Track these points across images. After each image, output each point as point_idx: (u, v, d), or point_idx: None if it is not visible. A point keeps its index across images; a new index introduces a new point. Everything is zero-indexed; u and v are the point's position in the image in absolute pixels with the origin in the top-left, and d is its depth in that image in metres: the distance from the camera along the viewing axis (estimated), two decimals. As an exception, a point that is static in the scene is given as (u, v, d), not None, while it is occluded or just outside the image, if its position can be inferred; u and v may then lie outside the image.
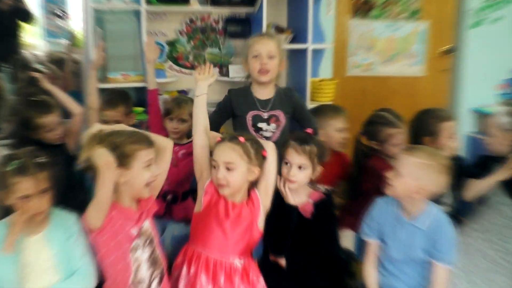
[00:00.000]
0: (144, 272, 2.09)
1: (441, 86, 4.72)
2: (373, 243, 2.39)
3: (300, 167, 2.37)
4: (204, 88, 2.44)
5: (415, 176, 2.19)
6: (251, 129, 2.75)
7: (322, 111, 3.13)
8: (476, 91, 4.61)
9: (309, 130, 2.49)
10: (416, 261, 2.30)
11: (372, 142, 2.94)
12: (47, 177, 2.07)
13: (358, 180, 2.97)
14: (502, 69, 4.73)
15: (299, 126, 2.89)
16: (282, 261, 2.36)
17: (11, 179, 2.00)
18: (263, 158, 2.25)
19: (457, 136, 2.89)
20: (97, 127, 2.06)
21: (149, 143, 2.07)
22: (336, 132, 3.03)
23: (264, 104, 2.76)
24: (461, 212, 2.79)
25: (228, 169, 2.17)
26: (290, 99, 2.82)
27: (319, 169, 2.41)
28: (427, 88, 4.68)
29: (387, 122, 2.91)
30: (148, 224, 2.14)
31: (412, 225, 2.29)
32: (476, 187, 2.62)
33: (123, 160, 1.98)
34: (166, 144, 2.24)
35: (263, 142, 2.32)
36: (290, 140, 2.39)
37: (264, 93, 2.79)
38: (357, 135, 3.07)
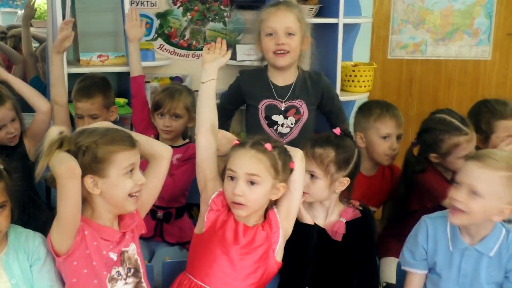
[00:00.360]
0: None
1: (512, 74, 4.77)
2: (417, 275, 2.40)
3: (312, 176, 2.41)
4: (213, 72, 2.47)
5: (499, 194, 2.16)
6: (264, 123, 2.78)
7: (366, 108, 3.11)
8: None
9: (337, 130, 2.50)
10: None
11: (431, 155, 2.90)
12: (2, 189, 2.09)
13: (406, 200, 2.98)
14: None
15: (328, 122, 2.92)
16: None
17: None
18: (290, 171, 2.27)
19: None
20: (56, 130, 2.04)
21: (130, 143, 2.08)
22: (381, 140, 2.98)
23: (282, 92, 2.81)
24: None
25: (251, 183, 2.19)
26: (317, 87, 2.86)
27: (345, 181, 2.43)
28: (493, 75, 4.71)
29: (450, 128, 2.85)
30: (133, 249, 2.17)
31: (476, 250, 2.29)
32: None
33: (96, 166, 2.00)
34: (163, 152, 2.26)
35: (291, 150, 2.31)
36: (307, 142, 2.43)
37: (283, 78, 2.83)
38: (409, 147, 3.05)
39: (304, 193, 2.36)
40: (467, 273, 2.31)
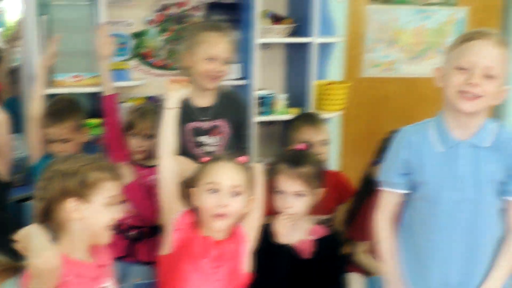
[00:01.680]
0: None
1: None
2: (394, 195, 2.35)
3: (297, 195, 2.47)
4: (178, 100, 2.53)
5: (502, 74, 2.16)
6: (193, 146, 2.85)
7: (291, 122, 3.33)
8: None
9: (302, 146, 2.59)
10: (482, 207, 2.22)
11: None
12: None
13: (358, 215, 3.08)
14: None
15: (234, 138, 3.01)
16: None
17: None
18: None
19: None
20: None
21: (118, 175, 2.10)
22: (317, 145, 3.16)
23: (204, 112, 2.87)
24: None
25: (235, 194, 2.24)
26: (235, 105, 2.97)
27: (319, 192, 2.51)
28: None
29: None
30: (111, 286, 2.17)
31: (471, 143, 2.19)
32: None
33: (82, 190, 2.00)
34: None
35: (252, 164, 2.41)
36: (280, 164, 2.49)
37: (204, 99, 2.89)
38: (370, 164, 3.12)
39: (290, 214, 2.46)
40: (464, 173, 2.20)
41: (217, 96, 2.93)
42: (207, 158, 2.35)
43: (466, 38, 2.14)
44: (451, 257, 2.26)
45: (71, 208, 2.00)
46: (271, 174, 2.53)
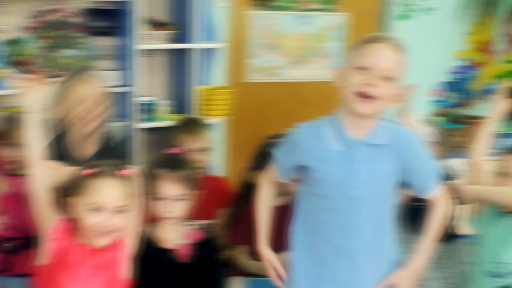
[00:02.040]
0: None
1: (364, 93, 4.97)
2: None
3: (177, 199, 2.48)
4: (36, 101, 2.37)
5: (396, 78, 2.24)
6: None
7: (174, 127, 3.35)
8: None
9: (177, 150, 2.60)
10: (379, 204, 2.26)
11: None
12: None
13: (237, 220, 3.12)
14: (437, 70, 5.11)
15: None
16: None
17: None
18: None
19: None
20: None
21: None
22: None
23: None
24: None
25: (119, 212, 2.19)
26: (114, 154, 2.92)
27: (197, 196, 2.53)
28: (346, 96, 4.91)
29: None
30: None
31: (366, 143, 2.21)
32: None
33: None
34: None
35: (128, 167, 2.37)
36: (158, 169, 2.49)
37: (85, 149, 2.89)
38: (247, 170, 3.17)
39: (172, 218, 2.47)
40: (360, 170, 2.22)
41: (98, 144, 2.90)
42: (87, 171, 2.26)
43: (367, 41, 2.18)
44: (349, 254, 2.28)
45: None
46: (149, 179, 2.52)
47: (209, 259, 2.54)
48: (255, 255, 3.01)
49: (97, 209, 2.18)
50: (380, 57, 2.12)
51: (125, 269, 2.30)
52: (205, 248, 2.53)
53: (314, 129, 2.28)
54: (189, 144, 3.15)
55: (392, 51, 2.15)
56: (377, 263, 2.31)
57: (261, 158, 3.05)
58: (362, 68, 2.12)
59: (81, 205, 2.19)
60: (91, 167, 2.26)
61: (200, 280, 2.50)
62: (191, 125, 3.27)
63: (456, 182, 2.75)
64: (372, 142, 2.21)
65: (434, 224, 2.33)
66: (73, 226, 2.26)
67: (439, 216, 2.33)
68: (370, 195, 2.22)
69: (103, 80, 3.16)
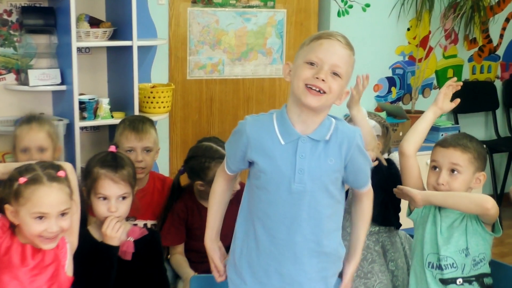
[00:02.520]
0: None
1: (306, 89, 5.01)
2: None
3: (121, 198, 2.49)
4: None
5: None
6: None
7: (118, 124, 3.25)
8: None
9: (112, 148, 2.59)
10: (321, 199, 2.25)
11: (197, 183, 3.02)
12: None
13: None
14: (377, 66, 5.18)
15: None
16: None
17: None
18: None
19: None
20: None
21: None
22: (127, 154, 3.00)
23: None
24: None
25: (62, 215, 2.19)
26: None
27: (136, 193, 2.56)
28: (288, 91, 4.85)
29: (216, 155, 2.95)
30: None
31: (311, 138, 2.21)
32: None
33: None
34: None
35: (60, 163, 2.36)
36: (99, 169, 2.49)
37: None
38: (176, 174, 3.19)
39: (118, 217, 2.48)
40: (303, 166, 2.21)
41: None
42: (24, 179, 2.20)
43: (318, 37, 2.18)
44: (292, 248, 2.27)
45: None
46: (90, 178, 2.51)
47: (151, 257, 2.55)
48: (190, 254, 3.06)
49: (42, 216, 2.17)
50: (330, 53, 2.13)
51: (67, 267, 2.29)
52: (147, 246, 2.53)
53: (260, 122, 2.27)
54: (135, 144, 3.09)
55: (342, 48, 2.16)
56: (320, 258, 2.30)
57: (189, 160, 3.09)
58: (312, 63, 2.13)
59: (24, 213, 2.17)
60: (26, 171, 2.23)
61: (143, 277, 2.50)
62: (136, 125, 3.17)
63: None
64: (318, 138, 2.21)
65: (367, 218, 2.40)
66: (12, 226, 2.24)
67: (370, 209, 2.40)
68: (312, 191, 2.23)
69: (52, 124, 3.19)
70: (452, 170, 2.59)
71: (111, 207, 2.48)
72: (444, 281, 2.56)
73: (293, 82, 2.18)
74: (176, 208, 3.11)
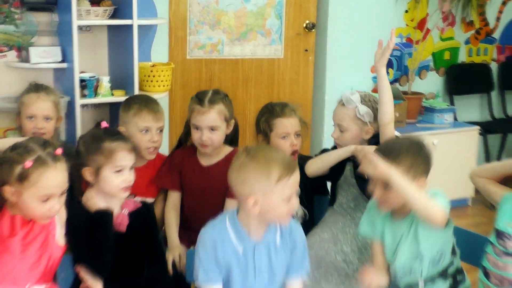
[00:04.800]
0: None
1: (303, 70, 5.02)
2: None
3: (131, 168, 2.52)
4: None
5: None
6: None
7: (127, 103, 3.14)
8: (346, 75, 4.96)
9: (104, 124, 2.58)
10: None
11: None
12: None
13: None
14: (375, 48, 5.15)
15: None
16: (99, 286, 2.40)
17: None
18: None
19: (295, 138, 3.02)
20: None
21: None
22: (141, 134, 3.00)
23: None
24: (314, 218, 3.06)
25: (64, 192, 2.20)
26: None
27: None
28: (287, 72, 4.95)
29: None
30: None
31: (264, 244, 2.34)
32: (320, 160, 2.92)
33: None
34: None
35: None
36: (111, 143, 2.48)
37: None
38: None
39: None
40: (260, 270, 2.34)
41: None
42: (29, 163, 2.16)
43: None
44: None
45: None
46: (102, 155, 2.48)
47: (146, 229, 2.55)
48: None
49: (48, 198, 2.17)
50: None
51: (58, 236, 2.29)
52: (141, 218, 2.54)
53: (220, 230, 2.34)
54: (151, 124, 3.02)
55: None
56: None
57: (183, 137, 3.11)
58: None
59: (29, 195, 2.16)
60: (27, 153, 2.19)
61: (138, 249, 2.52)
62: (153, 105, 3.11)
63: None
64: (269, 243, 2.34)
65: None
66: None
67: None
68: (269, 284, 2.37)
69: (58, 94, 3.26)
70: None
71: (128, 177, 2.48)
72: (408, 285, 2.55)
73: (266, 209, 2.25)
74: (174, 154, 3.13)
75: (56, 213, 2.23)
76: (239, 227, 2.31)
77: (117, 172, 2.46)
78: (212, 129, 2.93)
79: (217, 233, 2.33)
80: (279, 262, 2.38)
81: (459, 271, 2.51)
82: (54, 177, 2.18)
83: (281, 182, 2.21)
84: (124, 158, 2.49)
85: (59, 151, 2.22)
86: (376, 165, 2.32)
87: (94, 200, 2.48)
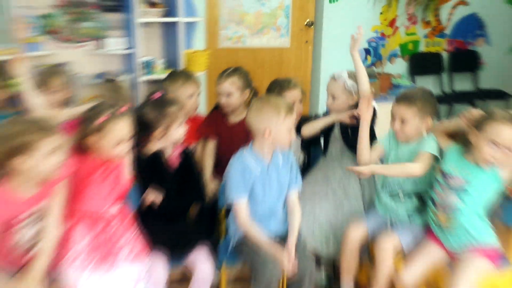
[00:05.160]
0: (28, 241, 2.09)
1: (304, 56, 4.98)
2: (244, 201, 2.46)
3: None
4: (22, 72, 2.32)
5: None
6: None
7: (172, 77, 3.07)
8: (335, 60, 4.86)
9: (158, 94, 2.51)
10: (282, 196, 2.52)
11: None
12: None
13: None
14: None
15: None
16: (158, 198, 2.41)
17: None
18: None
19: (298, 104, 2.99)
20: None
21: (51, 132, 1.97)
22: (187, 99, 2.93)
23: None
24: (311, 165, 3.06)
25: (130, 139, 2.20)
26: None
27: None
28: (291, 58, 4.92)
29: None
30: (44, 203, 2.09)
31: (273, 163, 2.46)
32: (313, 124, 2.89)
33: (23, 149, 1.90)
34: None
35: None
36: (174, 106, 2.46)
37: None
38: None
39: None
40: (271, 184, 2.46)
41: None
42: (105, 117, 2.16)
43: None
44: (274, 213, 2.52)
45: (18, 163, 1.92)
46: (169, 117, 2.42)
47: (189, 166, 2.54)
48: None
49: (120, 143, 2.18)
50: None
51: (126, 171, 2.30)
52: (186, 158, 2.53)
53: (244, 157, 2.45)
54: (194, 90, 3.00)
55: None
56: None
57: (218, 103, 3.08)
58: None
59: (105, 141, 2.16)
60: (103, 111, 2.18)
61: (186, 180, 2.51)
62: (192, 77, 3.06)
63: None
64: (276, 163, 2.47)
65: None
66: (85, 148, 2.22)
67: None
68: (279, 195, 2.51)
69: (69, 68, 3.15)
70: (402, 121, 2.51)
71: (183, 130, 2.46)
72: (391, 195, 2.60)
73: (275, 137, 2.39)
74: (212, 113, 3.10)
75: (125, 154, 2.23)
76: (255, 154, 2.45)
77: (178, 128, 2.44)
78: (228, 95, 2.96)
79: (240, 162, 2.45)
80: (283, 177, 2.49)
81: (429, 199, 2.53)
82: (122, 127, 2.17)
83: (287, 118, 2.36)
84: (181, 118, 2.46)
85: (124, 108, 2.21)
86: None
87: (155, 147, 2.47)
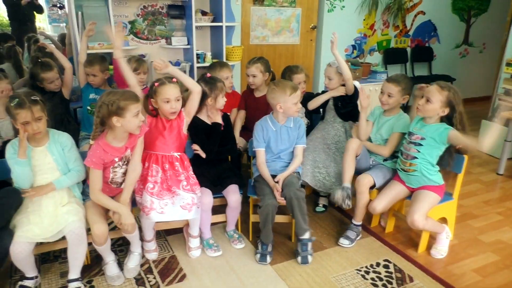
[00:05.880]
0: (119, 177, 2.10)
1: (309, 50, 4.77)
2: (262, 151, 2.38)
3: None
4: (120, 52, 2.21)
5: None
6: None
7: (213, 65, 2.98)
8: (330, 53, 4.55)
9: (208, 75, 2.42)
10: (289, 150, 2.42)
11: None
12: (40, 109, 1.95)
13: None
14: (348, 39, 4.88)
15: None
16: (202, 154, 2.37)
17: (14, 110, 1.91)
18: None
19: (303, 84, 2.87)
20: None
21: (137, 100, 1.95)
22: (225, 80, 2.80)
23: None
24: (313, 127, 2.95)
25: (178, 100, 2.12)
26: None
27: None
28: (300, 52, 4.72)
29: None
30: (129, 152, 2.08)
31: (285, 126, 2.37)
32: (315, 100, 2.79)
33: (119, 111, 1.89)
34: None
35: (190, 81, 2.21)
36: (222, 84, 2.37)
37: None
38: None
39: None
40: (283, 139, 2.37)
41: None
42: (157, 83, 2.11)
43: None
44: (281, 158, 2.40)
45: (115, 121, 1.92)
46: (217, 89, 2.35)
47: (228, 127, 2.48)
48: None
49: (168, 101, 2.11)
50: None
51: (184, 129, 2.24)
52: (226, 122, 2.47)
53: (265, 121, 2.38)
54: (227, 73, 2.88)
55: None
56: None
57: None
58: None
59: (159, 100, 2.11)
60: (157, 80, 2.12)
61: (227, 137, 2.46)
62: (226, 65, 2.94)
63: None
64: (288, 126, 2.36)
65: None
66: (155, 110, 2.18)
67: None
68: (288, 149, 2.39)
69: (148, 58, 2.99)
70: (389, 95, 2.42)
71: (225, 100, 2.40)
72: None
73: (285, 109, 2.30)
74: (245, 91, 3.02)
75: (175, 110, 2.13)
76: (273, 119, 2.37)
77: (222, 98, 2.38)
78: (253, 76, 2.87)
79: (263, 123, 2.39)
80: (293, 135, 2.37)
81: (399, 151, 2.43)
82: (169, 89, 2.09)
83: (292, 95, 2.27)
84: (223, 91, 2.38)
85: (175, 80, 2.14)
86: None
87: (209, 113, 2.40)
